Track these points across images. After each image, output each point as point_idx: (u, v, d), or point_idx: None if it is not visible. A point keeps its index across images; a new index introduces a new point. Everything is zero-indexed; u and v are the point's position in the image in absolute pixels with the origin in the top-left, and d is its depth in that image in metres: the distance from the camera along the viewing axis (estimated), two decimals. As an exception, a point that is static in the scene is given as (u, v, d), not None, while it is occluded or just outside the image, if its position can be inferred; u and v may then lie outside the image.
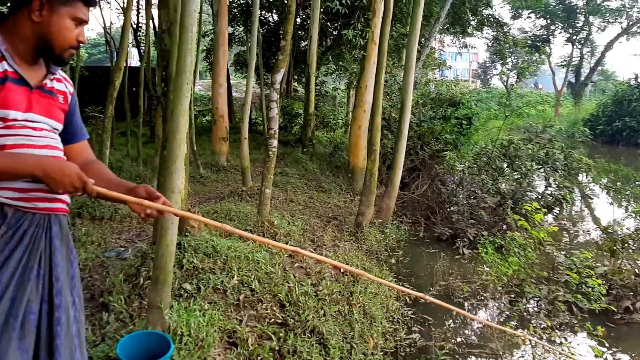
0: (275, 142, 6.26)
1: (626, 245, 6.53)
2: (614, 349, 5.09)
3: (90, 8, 1.86)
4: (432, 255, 7.25)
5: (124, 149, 12.42)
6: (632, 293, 5.90)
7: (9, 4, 1.86)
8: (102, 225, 6.50)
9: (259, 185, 6.89)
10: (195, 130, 12.39)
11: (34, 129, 1.73)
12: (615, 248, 6.46)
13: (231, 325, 3.85)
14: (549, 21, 38.12)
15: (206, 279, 4.42)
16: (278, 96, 6.31)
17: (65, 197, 1.84)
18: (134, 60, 27.12)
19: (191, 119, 11.12)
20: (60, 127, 1.87)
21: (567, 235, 8.77)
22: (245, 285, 4.59)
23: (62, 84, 1.91)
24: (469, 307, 5.69)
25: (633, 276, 6.13)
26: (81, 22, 1.81)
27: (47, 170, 1.59)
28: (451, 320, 5.34)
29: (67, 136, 1.96)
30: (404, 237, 8.00)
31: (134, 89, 13.75)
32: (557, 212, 9.25)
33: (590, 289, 4.72)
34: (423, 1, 7.87)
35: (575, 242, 8.53)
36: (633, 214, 6.61)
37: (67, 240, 1.85)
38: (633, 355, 5.02)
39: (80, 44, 1.85)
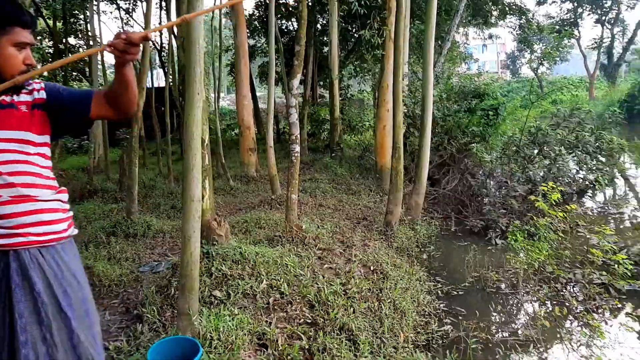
0: (297, 148, 6.33)
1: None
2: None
3: (31, 30, 1.89)
4: (464, 248, 7.18)
5: (156, 167, 12.71)
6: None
7: None
8: (136, 242, 6.69)
9: (287, 192, 6.97)
10: (224, 144, 12.61)
11: None
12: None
13: (261, 328, 3.93)
14: (575, 4, 37.25)
15: (235, 285, 4.51)
16: (296, 101, 6.40)
17: (33, 230, 1.85)
18: (162, 81, 27.72)
19: (217, 133, 11.33)
20: (27, 135, 1.89)
21: (605, 218, 8.56)
22: (275, 288, 4.67)
23: (25, 93, 1.94)
24: (503, 295, 5.64)
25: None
26: (25, 45, 1.86)
27: None
28: (485, 311, 5.29)
29: (80, 108, 1.99)
30: (435, 233, 7.94)
31: (162, 108, 14.10)
32: (590, 195, 9.04)
33: (616, 265, 4.60)
34: (436, -5, 7.85)
35: (616, 224, 8.34)
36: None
37: (29, 277, 1.83)
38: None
39: (30, 67, 1.88)
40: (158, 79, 30.71)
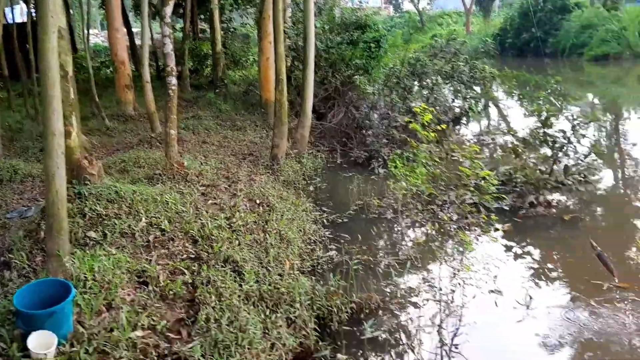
0: (174, 80, 6.02)
1: (529, 145, 6.82)
2: (523, 243, 5.42)
3: None
4: (349, 179, 7.35)
5: (23, 110, 11.68)
6: (534, 188, 6.23)
7: None
8: (2, 188, 6.16)
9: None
10: (99, 83, 11.79)
11: None
12: (517, 148, 6.75)
13: (140, 266, 3.79)
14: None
15: (112, 225, 4.29)
16: (170, 31, 6.04)
17: None
18: (26, 17, 25.17)
19: (89, 70, 10.57)
20: None
21: (479, 145, 9.06)
22: (155, 226, 4.51)
23: None
24: (384, 220, 5.86)
25: (537, 171, 6.47)
26: None
27: None
28: (368, 236, 5.47)
29: None
30: (321, 165, 8.05)
31: (27, 46, 12.83)
32: (465, 122, 9.53)
33: (483, 182, 4.90)
34: None
35: (490, 151, 8.87)
36: (533, 113, 6.90)
37: None
38: (537, 244, 5.35)
39: None
40: (22, 14, 27.77)
